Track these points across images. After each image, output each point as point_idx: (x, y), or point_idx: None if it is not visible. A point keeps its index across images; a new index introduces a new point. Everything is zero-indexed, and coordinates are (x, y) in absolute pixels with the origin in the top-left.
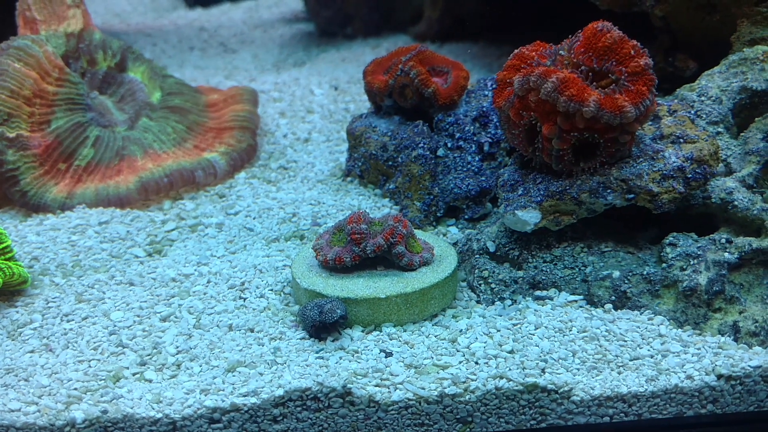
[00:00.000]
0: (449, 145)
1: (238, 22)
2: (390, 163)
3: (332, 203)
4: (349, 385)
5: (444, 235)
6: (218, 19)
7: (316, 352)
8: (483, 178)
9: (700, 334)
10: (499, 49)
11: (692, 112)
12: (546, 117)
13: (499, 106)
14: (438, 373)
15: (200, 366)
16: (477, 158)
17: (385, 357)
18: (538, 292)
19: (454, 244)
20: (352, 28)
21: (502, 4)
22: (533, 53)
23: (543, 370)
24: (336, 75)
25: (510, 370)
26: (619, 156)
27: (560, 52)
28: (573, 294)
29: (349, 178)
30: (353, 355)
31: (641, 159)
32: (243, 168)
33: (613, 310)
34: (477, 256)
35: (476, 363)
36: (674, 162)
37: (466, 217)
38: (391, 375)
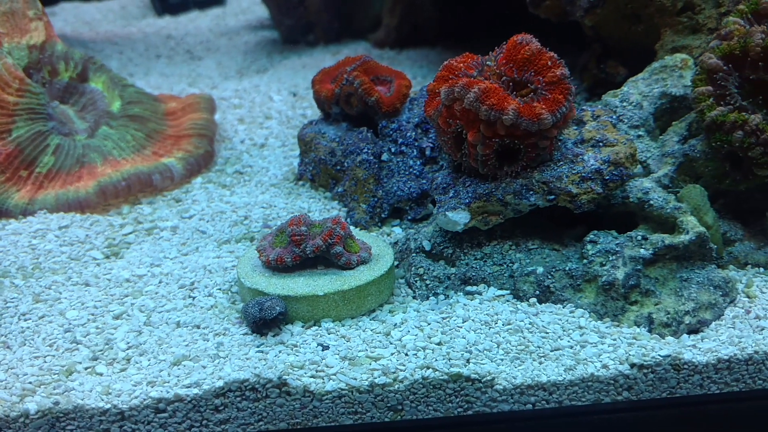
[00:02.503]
0: (392, 150)
1: (205, 30)
2: (338, 167)
3: (283, 206)
4: (284, 377)
5: (388, 235)
6: (185, 27)
7: (257, 347)
8: (424, 181)
9: (618, 326)
10: (456, 54)
11: (614, 117)
12: (470, 125)
13: (429, 115)
14: (370, 364)
15: (148, 360)
16: (419, 162)
17: (322, 350)
18: (468, 288)
19: (396, 244)
20: (314, 36)
21: (458, 13)
22: (461, 64)
23: (468, 361)
24: (296, 81)
25: (436, 360)
26: (540, 160)
27: (487, 62)
28: (501, 289)
29: (301, 182)
30: (292, 349)
31: (561, 162)
32: (200, 173)
33: (537, 303)
34: (414, 254)
35: (406, 354)
36: (592, 165)
37: (409, 218)
38: (326, 367)
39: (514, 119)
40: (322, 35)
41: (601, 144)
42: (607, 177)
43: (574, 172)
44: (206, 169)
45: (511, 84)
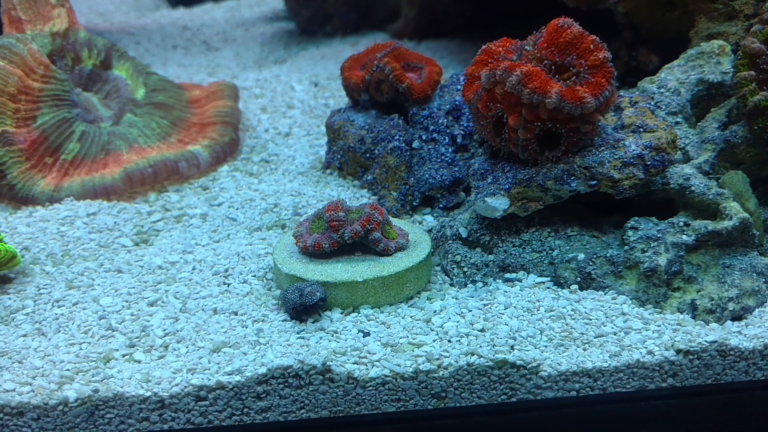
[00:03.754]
0: (423, 137)
1: (221, 21)
2: (367, 155)
3: (312, 194)
4: (328, 363)
5: (420, 223)
6: (201, 18)
7: (298, 333)
8: (456, 169)
9: (660, 312)
10: (475, 46)
11: (652, 103)
12: (511, 109)
13: (468, 99)
14: (413, 351)
15: (187, 347)
16: (450, 150)
17: (363, 336)
18: (507, 275)
19: (429, 231)
20: (331, 27)
21: (478, 3)
22: (500, 49)
23: (512, 347)
24: (316, 72)
25: (481, 347)
26: (581, 145)
27: (526, 47)
28: (541, 276)
29: (328, 171)
30: (333, 335)
31: (603, 147)
32: (225, 161)
33: (578, 290)
34: (450, 241)
35: (449, 341)
36: (634, 150)
37: (441, 206)
38: (369, 353)
39: (557, 103)
40: (339, 26)
41: (641, 130)
42: (649, 162)
43: (615, 157)
44: (232, 158)
45: (552, 68)
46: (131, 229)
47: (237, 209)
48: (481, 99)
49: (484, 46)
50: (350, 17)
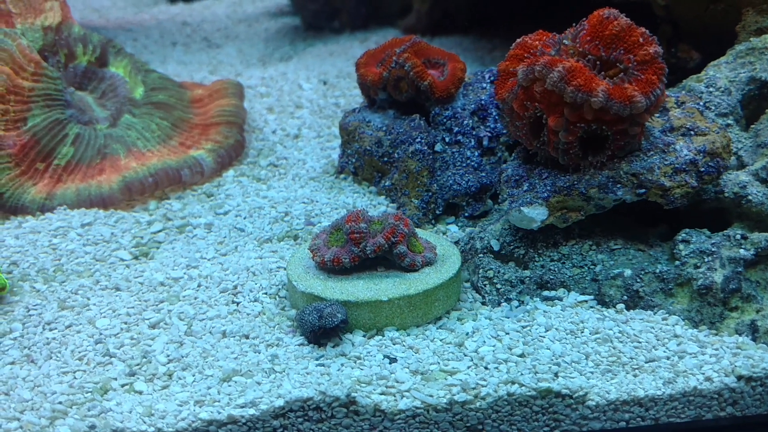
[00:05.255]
0: (447, 139)
1: (222, 17)
2: (385, 159)
3: (326, 201)
4: (353, 394)
5: (443, 233)
6: (201, 14)
7: (317, 359)
8: (483, 174)
9: (716, 334)
10: (490, 43)
11: (701, 103)
12: (552, 108)
13: (502, 98)
14: (446, 379)
15: (193, 376)
16: (476, 153)
17: (390, 363)
18: (546, 293)
19: (455, 243)
20: (339, 22)
21: None
22: (537, 42)
23: (556, 374)
24: (324, 69)
25: (522, 374)
26: (628, 149)
27: (564, 41)
28: (583, 294)
29: (342, 175)
30: (355, 362)
31: (652, 152)
32: (231, 165)
33: (625, 310)
34: (481, 255)
35: (485, 368)
36: (686, 155)
37: (466, 214)
38: (397, 382)
39: (603, 102)
40: (347, 21)
41: (691, 133)
42: (703, 169)
43: (666, 163)
44: (237, 161)
45: (597, 63)
46: (130, 240)
47: (245, 218)
48: (517, 97)
49: (518, 40)
50: (359, 12)
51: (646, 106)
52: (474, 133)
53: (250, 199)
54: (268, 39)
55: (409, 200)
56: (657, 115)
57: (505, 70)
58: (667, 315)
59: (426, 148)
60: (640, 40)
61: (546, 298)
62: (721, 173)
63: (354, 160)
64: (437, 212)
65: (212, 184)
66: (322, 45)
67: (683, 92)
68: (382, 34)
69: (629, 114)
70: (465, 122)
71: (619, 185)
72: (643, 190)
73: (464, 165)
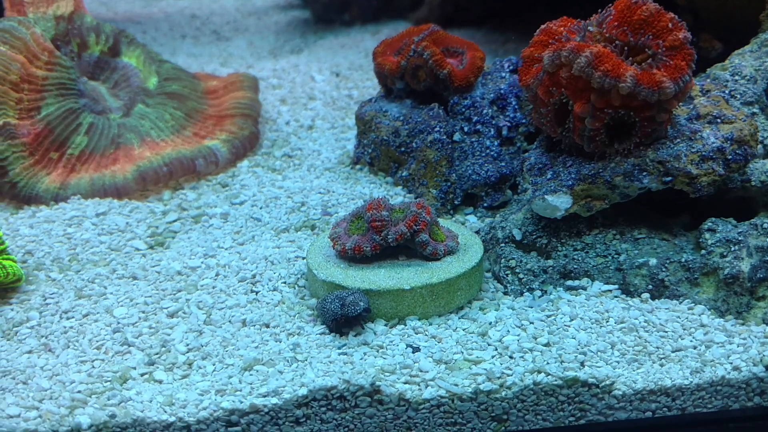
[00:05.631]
0: (466, 129)
1: (231, 10)
2: (402, 149)
3: (342, 192)
4: (377, 383)
5: (463, 224)
6: (209, 7)
7: (339, 348)
8: (502, 164)
9: (743, 324)
10: (503, 35)
11: (726, 92)
12: (578, 95)
13: (527, 84)
14: (470, 368)
15: (214, 365)
16: (495, 143)
17: (413, 352)
18: (569, 282)
19: (477, 233)
20: (349, 15)
21: None
22: (561, 28)
23: (582, 364)
24: (336, 61)
25: (548, 363)
26: (655, 136)
27: (589, 28)
28: (607, 283)
29: (358, 166)
30: (378, 351)
31: (678, 140)
32: (245, 156)
33: (650, 299)
34: (502, 244)
35: (510, 357)
36: (713, 143)
37: (485, 205)
38: (420, 371)
39: (632, 87)
40: (358, 14)
41: (718, 120)
42: (730, 157)
43: (693, 150)
44: (252, 152)
45: (625, 49)
46: (145, 230)
47: (261, 208)
48: (543, 84)
49: (543, 26)
50: (370, 5)
51: (674, 92)
52: (493, 122)
53: (266, 189)
54: (278, 32)
55: (427, 190)
56: (682, 103)
57: (530, 56)
58: (692, 304)
59: (445, 137)
60: (669, 25)
61: (569, 288)
62: (748, 161)
63: (370, 151)
64: (456, 202)
65: (227, 174)
66: (333, 37)
67: (708, 80)
68: (393, 26)
69: (657, 100)
70: (484, 111)
71: (645, 173)
72: (669, 178)
73: (483, 155)
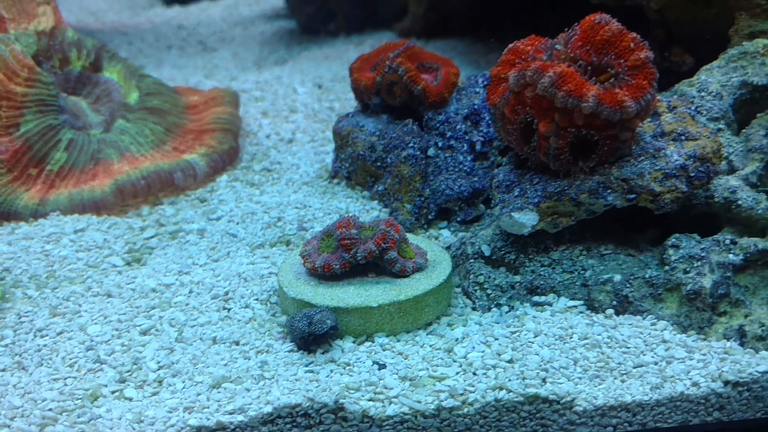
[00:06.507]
0: (440, 144)
1: (218, 20)
2: (378, 164)
3: (319, 206)
4: (341, 400)
5: (436, 238)
6: (197, 17)
7: (306, 366)
8: (475, 179)
9: (704, 339)
10: (486, 46)
11: (692, 108)
12: (543, 114)
13: (494, 104)
14: (434, 385)
15: (183, 382)
16: (469, 158)
17: (379, 369)
18: (536, 298)
19: (447, 248)
20: (334, 25)
21: (489, 0)
22: (528, 47)
23: (544, 380)
24: (319, 73)
25: (510, 380)
26: (619, 154)
27: (556, 46)
28: (572, 299)
29: (335, 180)
30: (345, 368)
31: (642, 157)
32: (224, 170)
33: (614, 315)
34: (472, 260)
35: (474, 374)
36: (677, 160)
37: (459, 219)
38: (385, 388)
39: (594, 107)
40: (343, 24)
41: (682, 138)
42: (693, 174)
43: (656, 168)
44: (231, 167)
45: (588, 69)
46: (122, 246)
47: (237, 224)
48: (509, 103)
49: (510, 45)
50: (355, 15)
51: (636, 111)
52: (467, 137)
53: (243, 205)
54: (263, 42)
55: (402, 205)
56: (649, 119)
57: (497, 75)
58: (656, 320)
59: (419, 152)
60: (631, 45)
61: (536, 304)
62: (711, 178)
63: (347, 165)
64: (430, 217)
65: (206, 189)
66: (318, 48)
67: (675, 97)
68: (377, 37)
69: (620, 119)
70: (458, 127)
71: (609, 190)
72: (633, 196)
73: (457, 170)
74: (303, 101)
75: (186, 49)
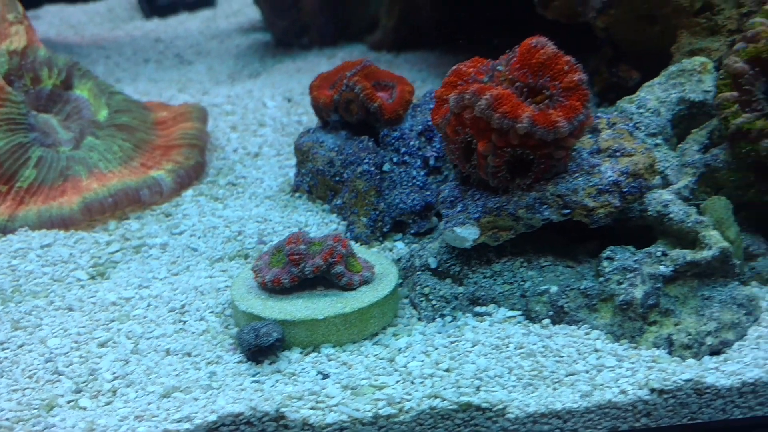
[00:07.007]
0: (395, 160)
1: (195, 33)
2: (337, 178)
3: (279, 220)
4: (282, 409)
5: (390, 250)
6: (175, 30)
7: (252, 376)
8: (428, 193)
9: (635, 348)
10: (456, 58)
11: (631, 124)
12: (481, 134)
13: (437, 124)
14: (374, 393)
15: (136, 392)
16: (422, 173)
17: (322, 379)
18: (477, 308)
19: (398, 261)
20: (308, 38)
21: (458, 14)
22: (471, 69)
23: (478, 388)
24: (290, 86)
25: (445, 389)
26: (555, 171)
27: (498, 67)
28: (512, 309)
29: (297, 194)
30: (290, 378)
31: (577, 174)
32: (191, 185)
33: (550, 325)
34: (419, 272)
35: (412, 383)
36: (610, 176)
37: (413, 231)
38: (327, 397)
39: (528, 128)
40: (317, 37)
41: (618, 154)
42: (625, 189)
43: (590, 184)
44: (197, 181)
45: (525, 90)
46: (88, 261)
47: (199, 238)
48: (450, 123)
49: (454, 67)
50: (328, 29)
51: (569, 131)
52: (420, 153)
53: (206, 219)
54: (238, 55)
55: (358, 218)
56: (588, 135)
57: (440, 96)
58: (590, 330)
59: (374, 168)
60: (565, 68)
61: (477, 314)
62: (643, 193)
63: (308, 179)
64: (385, 230)
65: (171, 204)
66: (291, 61)
67: (615, 113)
68: (349, 50)
69: (553, 138)
70: (412, 143)
71: (545, 206)
72: (568, 211)
73: (410, 184)
74: (272, 115)
75: (163, 62)
